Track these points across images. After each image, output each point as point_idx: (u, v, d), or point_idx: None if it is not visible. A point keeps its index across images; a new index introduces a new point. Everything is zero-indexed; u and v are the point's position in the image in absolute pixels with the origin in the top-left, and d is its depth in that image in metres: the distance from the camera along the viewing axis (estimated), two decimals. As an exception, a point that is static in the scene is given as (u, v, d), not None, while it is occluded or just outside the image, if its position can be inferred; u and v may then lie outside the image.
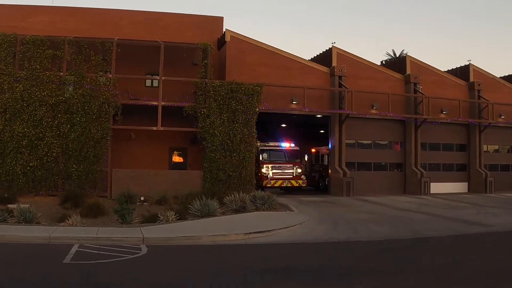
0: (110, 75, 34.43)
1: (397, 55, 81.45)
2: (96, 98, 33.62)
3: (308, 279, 14.34)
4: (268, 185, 42.33)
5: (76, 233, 20.29)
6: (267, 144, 45.50)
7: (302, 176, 45.17)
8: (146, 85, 38.64)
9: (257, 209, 29.27)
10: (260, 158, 43.72)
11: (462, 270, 15.62)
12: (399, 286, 13.67)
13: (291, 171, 44.39)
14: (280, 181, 43.47)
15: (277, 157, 45.04)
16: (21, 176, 32.48)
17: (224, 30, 40.30)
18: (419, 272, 15.33)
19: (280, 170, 43.94)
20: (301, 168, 45.89)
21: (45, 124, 32.86)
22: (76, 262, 15.70)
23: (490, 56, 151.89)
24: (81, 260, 15.94)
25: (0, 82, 33.19)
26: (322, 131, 49.05)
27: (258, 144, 42.66)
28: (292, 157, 45.64)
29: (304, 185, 45.38)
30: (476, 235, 23.57)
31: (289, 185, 43.90)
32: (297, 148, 46.72)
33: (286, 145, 46.26)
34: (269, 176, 43.27)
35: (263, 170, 43.45)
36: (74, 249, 17.46)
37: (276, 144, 46.15)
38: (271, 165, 43.78)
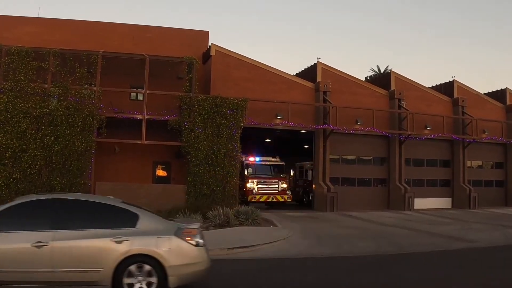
0: (95, 88, 34.30)
1: (382, 71, 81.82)
2: (81, 110, 33.45)
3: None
4: (253, 200, 41.98)
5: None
6: (252, 159, 45.14)
7: (288, 191, 44.75)
8: (131, 98, 38.57)
9: (240, 224, 29.17)
10: (245, 173, 43.32)
11: (447, 285, 15.64)
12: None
13: (276, 186, 44.00)
14: (265, 196, 43.06)
15: (262, 172, 44.62)
16: (4, 188, 32.15)
17: (209, 44, 40.31)
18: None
19: (265, 185, 43.53)
20: (286, 183, 45.59)
21: (29, 136, 32.62)
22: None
23: (474, 72, 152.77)
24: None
25: (-17, 93, 32.87)
26: (306, 146, 49.02)
27: (243, 158, 42.48)
28: (277, 172, 45.30)
29: (290, 200, 44.82)
30: (460, 250, 23.57)
31: (274, 200, 43.43)
32: (282, 163, 46.19)
33: (271, 159, 45.93)
34: (254, 191, 42.81)
35: (248, 185, 42.99)
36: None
37: (261, 159, 45.72)
38: (256, 180, 43.36)
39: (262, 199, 42.95)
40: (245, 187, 42.78)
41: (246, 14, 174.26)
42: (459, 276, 17.36)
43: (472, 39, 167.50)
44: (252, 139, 43.00)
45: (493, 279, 16.84)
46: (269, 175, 44.68)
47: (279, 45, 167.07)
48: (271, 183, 43.91)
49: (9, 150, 32.20)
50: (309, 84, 42.54)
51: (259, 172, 44.48)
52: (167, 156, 38.90)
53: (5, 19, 37.83)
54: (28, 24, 37.93)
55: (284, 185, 44.75)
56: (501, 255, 22.52)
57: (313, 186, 43.77)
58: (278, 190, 43.96)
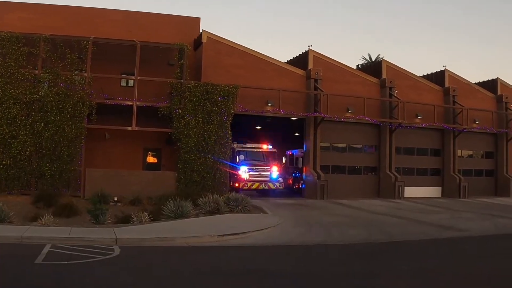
0: (86, 74, 34.22)
1: (373, 60, 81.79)
2: (71, 97, 33.36)
3: (281, 282, 14.30)
4: (244, 187, 41.73)
5: (49, 233, 20.09)
6: (244, 146, 44.47)
7: (280, 179, 44.27)
8: (122, 84, 38.43)
9: (231, 211, 29.18)
10: (237, 160, 42.73)
11: (437, 274, 15.64)
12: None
13: (269, 173, 43.55)
14: (257, 184, 42.62)
15: (254, 159, 43.94)
16: (-6, 174, 32.18)
17: (201, 31, 40.21)
18: (394, 276, 15.34)
19: (257, 172, 43.04)
20: (278, 170, 45.08)
21: (19, 122, 32.55)
22: (48, 262, 15.53)
23: (466, 62, 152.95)
24: (53, 260, 15.77)
25: (-27, 79, 32.73)
26: (297, 134, 48.90)
27: (235, 145, 42.42)
28: (269, 159, 44.81)
29: (282, 187, 44.55)
30: (450, 239, 23.64)
31: (266, 187, 43.12)
32: (274, 150, 45.89)
33: (263, 146, 45.44)
34: (246, 178, 42.37)
35: (240, 172, 42.41)
36: (46, 250, 17.26)
37: (253, 146, 45.16)
38: (248, 167, 42.80)
39: (254, 187, 42.53)
40: (237, 174, 42.23)
41: (237, 2, 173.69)
42: (449, 265, 17.39)
43: (464, 29, 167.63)
44: (243, 126, 42.66)
45: (483, 268, 16.90)
46: (261, 162, 44.06)
47: (270, 33, 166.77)
48: (263, 170, 43.37)
49: (-1, 137, 32.10)
50: (300, 72, 42.50)
51: (251, 159, 43.70)
52: (157, 143, 38.87)
53: (-5, 4, 37.60)
54: (20, 10, 37.69)
55: (277, 172, 44.20)
56: (491, 245, 22.61)
57: (304, 171, 43.76)
58: (270, 178, 43.48)
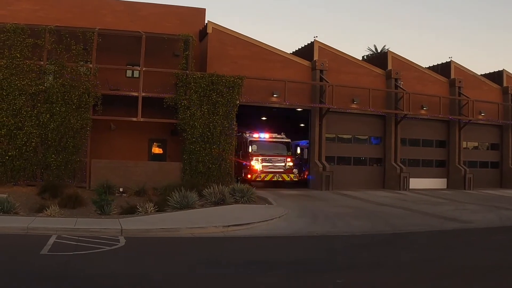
0: (91, 65, 34.17)
1: (379, 51, 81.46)
2: (76, 88, 33.35)
3: (287, 272, 14.35)
4: (258, 179, 41.06)
5: (54, 224, 20.21)
6: (256, 136, 43.36)
7: (294, 170, 43.10)
8: (127, 75, 38.47)
9: (236, 202, 29.30)
10: (250, 150, 41.80)
11: (440, 265, 15.67)
12: (378, 281, 13.66)
13: (282, 164, 42.55)
14: (270, 175, 41.61)
15: (268, 149, 42.72)
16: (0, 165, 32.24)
17: (206, 21, 40.12)
18: (398, 267, 15.39)
19: (270, 163, 42.06)
20: (293, 161, 43.76)
21: (25, 113, 32.54)
22: (54, 253, 15.62)
23: (471, 53, 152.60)
24: (58, 251, 15.86)
25: (-21, 70, 32.77)
26: (302, 125, 48.74)
27: (247, 135, 42.23)
28: (283, 150, 43.55)
29: (296, 179, 43.08)
30: (454, 231, 23.69)
31: (280, 179, 42.09)
32: (288, 140, 44.55)
33: (277, 136, 44.11)
34: (259, 170, 41.40)
35: (253, 163, 41.52)
36: (52, 240, 17.36)
37: (266, 135, 43.82)
38: (261, 158, 41.77)
39: (268, 178, 41.58)
40: (249, 165, 41.52)
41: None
42: (452, 256, 17.42)
43: (470, 20, 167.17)
44: (248, 117, 42.33)
45: (487, 259, 16.89)
46: (275, 152, 42.91)
47: (275, 24, 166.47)
48: (276, 161, 42.44)
49: (5, 128, 32.15)
50: (305, 63, 42.40)
51: (264, 150, 42.54)
52: (163, 134, 38.87)
53: (0, -4, 37.61)
54: (24, 1, 37.65)
55: (291, 163, 43.08)
56: (496, 237, 22.64)
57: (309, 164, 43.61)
58: (284, 169, 42.49)
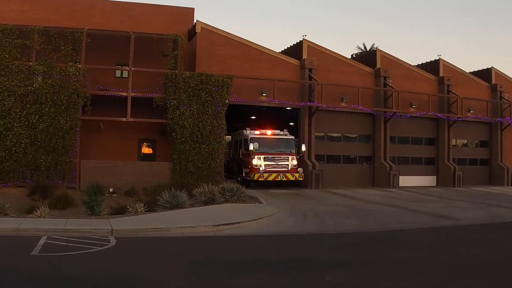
0: (80, 66, 34.13)
1: (368, 49, 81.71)
2: (65, 88, 33.29)
3: (276, 271, 14.42)
4: (260, 179, 38.52)
5: (45, 224, 20.25)
6: (258, 132, 40.48)
7: (299, 169, 39.93)
8: (116, 75, 38.44)
9: (226, 201, 29.34)
10: (251, 148, 38.35)
11: (430, 263, 15.75)
12: (367, 279, 13.73)
13: (286, 163, 39.72)
14: (274, 175, 38.77)
15: (270, 147, 39.90)
16: (-11, 166, 32.21)
17: (195, 21, 40.14)
18: (388, 265, 15.46)
19: (274, 162, 39.28)
20: (297, 159, 40.49)
21: (14, 114, 32.45)
22: (44, 254, 15.67)
23: (461, 51, 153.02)
24: (49, 252, 15.90)
25: (-32, 71, 32.70)
26: (292, 124, 48.68)
27: (248, 132, 40.27)
28: (286, 147, 40.66)
29: (302, 179, 39.98)
30: (444, 228, 23.87)
31: (284, 179, 39.12)
32: (292, 136, 41.63)
33: (279, 133, 41.40)
34: (261, 169, 38.59)
35: (254, 162, 38.67)
36: (42, 241, 17.41)
37: (268, 132, 41.07)
38: (263, 156, 38.83)
39: (271, 178, 38.81)
40: (250, 164, 38.86)
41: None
42: (443, 254, 17.49)
43: (460, 18, 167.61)
44: (238, 117, 42.04)
45: (476, 256, 17.03)
46: (278, 150, 40.13)
47: (264, 23, 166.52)
48: (280, 160, 39.61)
49: (-6, 129, 32.11)
50: (294, 62, 42.45)
51: (266, 147, 39.58)
52: (152, 134, 38.86)
53: (-13, -4, 37.54)
54: (12, 1, 37.53)
55: (295, 162, 40.08)
56: (486, 234, 22.80)
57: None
58: (288, 168, 39.67)
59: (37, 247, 16.45)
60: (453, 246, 19.27)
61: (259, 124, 43.86)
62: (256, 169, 38.66)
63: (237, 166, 40.82)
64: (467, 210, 30.06)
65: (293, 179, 39.45)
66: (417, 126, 47.44)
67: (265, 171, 38.72)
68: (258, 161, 38.79)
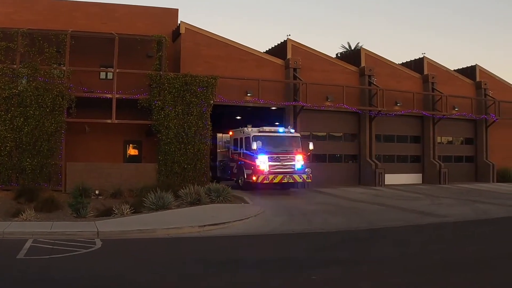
0: (64, 68, 34.06)
1: (352, 48, 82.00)
2: (50, 91, 33.21)
3: (263, 270, 14.44)
4: (265, 181, 35.52)
5: (30, 228, 20.18)
6: (261, 130, 37.36)
7: (307, 170, 37.06)
8: (101, 77, 38.41)
9: (212, 202, 29.30)
10: (254, 147, 35.19)
11: (417, 260, 15.85)
12: (353, 277, 13.79)
13: (293, 163, 36.71)
14: (280, 176, 35.67)
15: (275, 146, 36.81)
16: (-26, 170, 32.08)
17: (179, 22, 40.17)
18: (374, 263, 15.52)
19: (279, 162, 36.21)
20: (304, 159, 37.71)
21: (-2, 117, 32.44)
22: (30, 257, 15.61)
23: (445, 49, 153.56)
24: (35, 255, 15.85)
25: (-49, 74, 32.54)
26: (277, 123, 48.49)
27: (250, 129, 37.24)
28: (292, 146, 37.65)
29: (310, 180, 37.28)
30: (430, 225, 23.93)
31: (291, 180, 36.35)
32: (297, 134, 38.95)
33: (285, 131, 38.37)
34: (265, 170, 35.46)
35: (258, 163, 35.70)
36: (28, 244, 17.33)
37: (273, 130, 37.99)
38: (268, 156, 35.82)
39: (276, 180, 35.83)
40: (254, 165, 35.97)
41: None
42: (430, 251, 17.60)
43: (443, 16, 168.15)
44: (223, 117, 41.54)
45: (464, 253, 17.16)
46: (283, 150, 37.09)
47: (249, 23, 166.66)
48: (286, 160, 36.55)
49: (-22, 133, 32.00)
50: (279, 61, 42.54)
51: (271, 147, 36.51)
52: (138, 135, 38.85)
53: (-29, -1, 37.41)
54: (-3, 4, 37.53)
55: (302, 162, 37.13)
56: (471, 230, 22.93)
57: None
58: (294, 169, 36.60)
59: (22, 250, 16.39)
60: (440, 243, 19.34)
61: (245, 124, 42.29)
62: (260, 171, 35.61)
63: (237, 167, 38.83)
64: (453, 207, 30.20)
65: (300, 180, 36.93)
66: (402, 124, 47.65)
67: (270, 173, 35.66)
68: (263, 162, 35.79)
